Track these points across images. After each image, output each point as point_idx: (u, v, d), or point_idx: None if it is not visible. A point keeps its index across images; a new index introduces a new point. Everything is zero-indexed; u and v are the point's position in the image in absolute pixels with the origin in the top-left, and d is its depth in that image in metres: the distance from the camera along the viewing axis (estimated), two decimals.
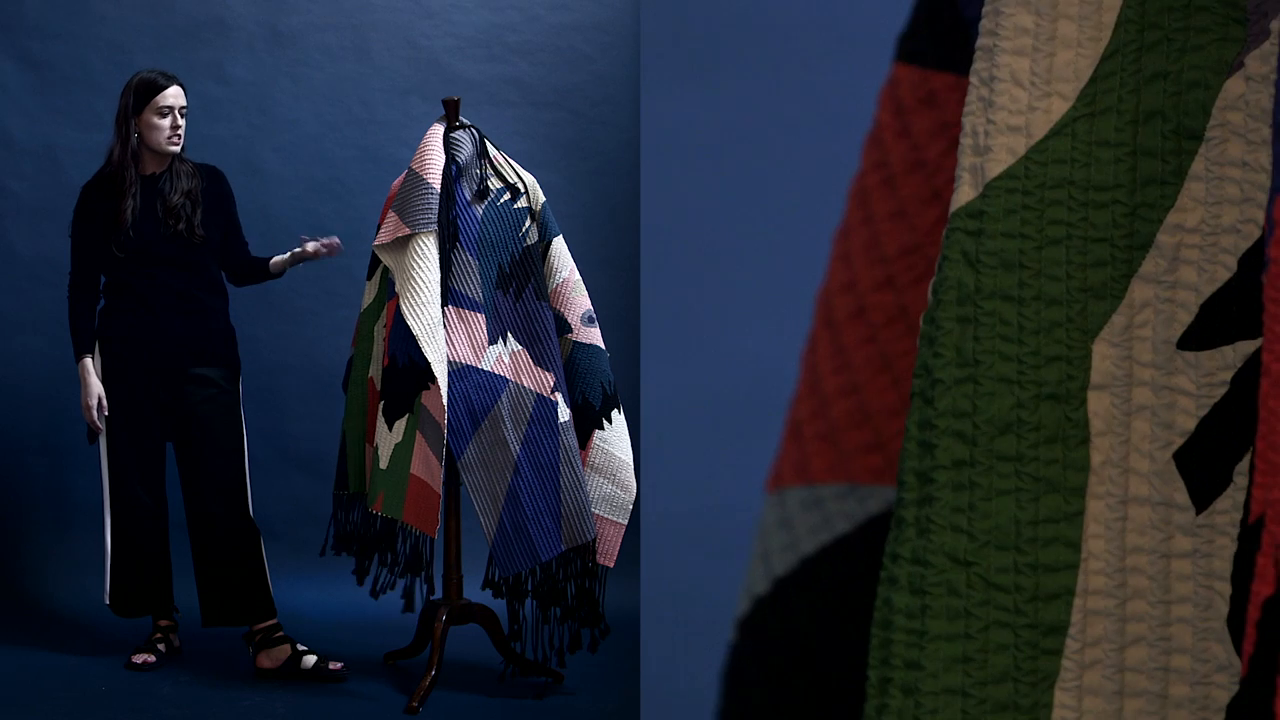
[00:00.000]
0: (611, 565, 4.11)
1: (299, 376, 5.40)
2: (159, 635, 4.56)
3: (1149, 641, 1.49)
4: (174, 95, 4.35)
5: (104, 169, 4.43)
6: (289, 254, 4.47)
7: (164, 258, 4.35)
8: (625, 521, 4.13)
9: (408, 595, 4.29)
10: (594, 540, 4.05)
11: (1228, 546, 1.47)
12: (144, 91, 4.36)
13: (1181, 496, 1.49)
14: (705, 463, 3.46)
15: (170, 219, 4.34)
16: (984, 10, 1.54)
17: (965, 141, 1.53)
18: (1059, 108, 1.52)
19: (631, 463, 4.13)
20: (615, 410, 4.17)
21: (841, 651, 1.85)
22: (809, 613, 1.87)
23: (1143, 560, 1.50)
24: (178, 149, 4.37)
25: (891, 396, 1.85)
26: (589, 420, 4.14)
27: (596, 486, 4.10)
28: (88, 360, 4.39)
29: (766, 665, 1.88)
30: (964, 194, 1.52)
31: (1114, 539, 1.50)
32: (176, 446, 4.46)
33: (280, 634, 4.38)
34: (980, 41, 1.54)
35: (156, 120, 4.34)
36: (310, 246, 4.42)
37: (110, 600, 4.50)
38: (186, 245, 4.35)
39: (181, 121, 4.36)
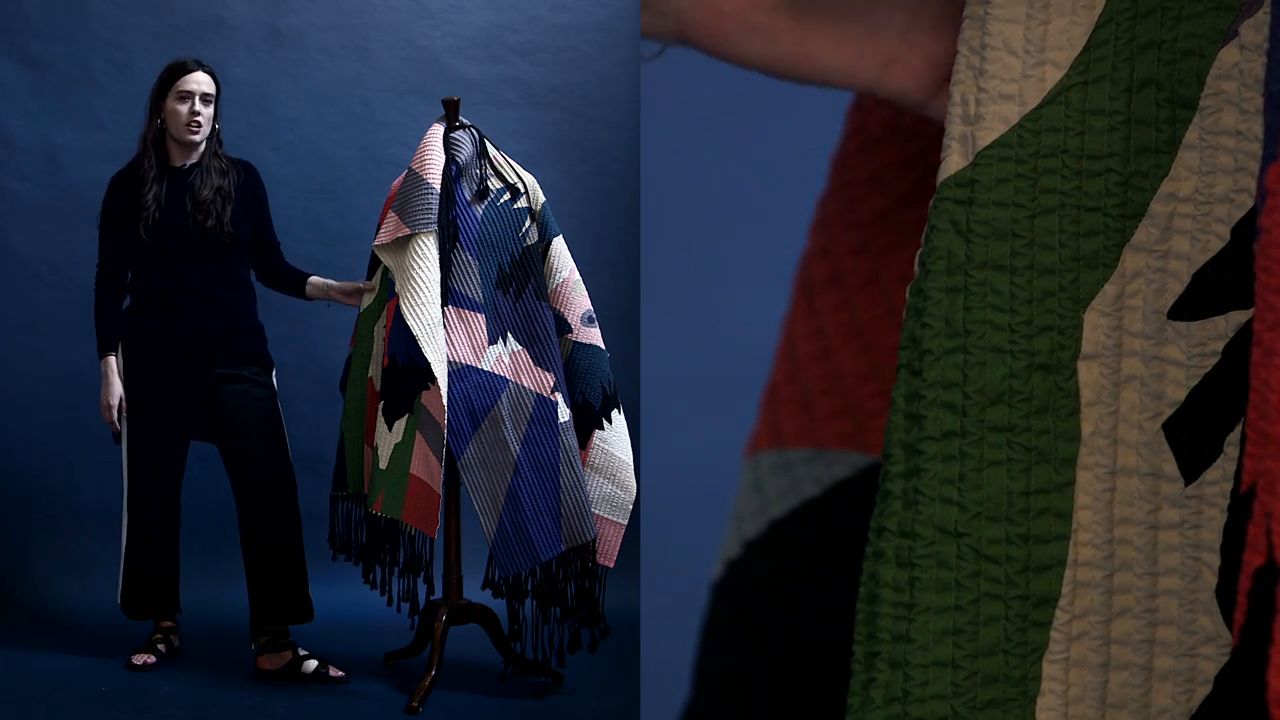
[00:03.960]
0: (611, 565, 4.10)
1: (299, 376, 5.39)
2: (159, 635, 4.53)
3: (1135, 614, 1.48)
4: (195, 81, 4.28)
5: (134, 158, 4.38)
6: (328, 286, 4.41)
7: (190, 254, 4.29)
8: (625, 521, 4.12)
9: (411, 600, 4.27)
10: (594, 540, 4.04)
11: (1216, 518, 1.46)
12: (169, 76, 4.29)
13: (1170, 467, 1.48)
14: (706, 463, 3.46)
15: (199, 214, 4.26)
16: None
17: (954, 110, 1.52)
18: (1052, 76, 1.51)
19: (631, 463, 4.13)
20: (615, 410, 4.16)
21: (806, 616, 1.85)
22: (775, 577, 1.86)
23: (1130, 531, 1.49)
24: (196, 138, 4.29)
25: (862, 362, 1.85)
26: (589, 420, 4.14)
27: (596, 486, 4.09)
28: (111, 358, 4.33)
29: (734, 628, 1.88)
30: (953, 163, 1.51)
31: (1102, 510, 1.49)
32: (220, 447, 4.39)
33: (287, 639, 4.36)
34: (969, 9, 1.53)
35: (176, 106, 4.27)
36: (338, 294, 4.38)
37: (122, 602, 4.48)
38: (214, 242, 4.29)
39: (202, 109, 4.28)
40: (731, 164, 3.72)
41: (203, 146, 4.34)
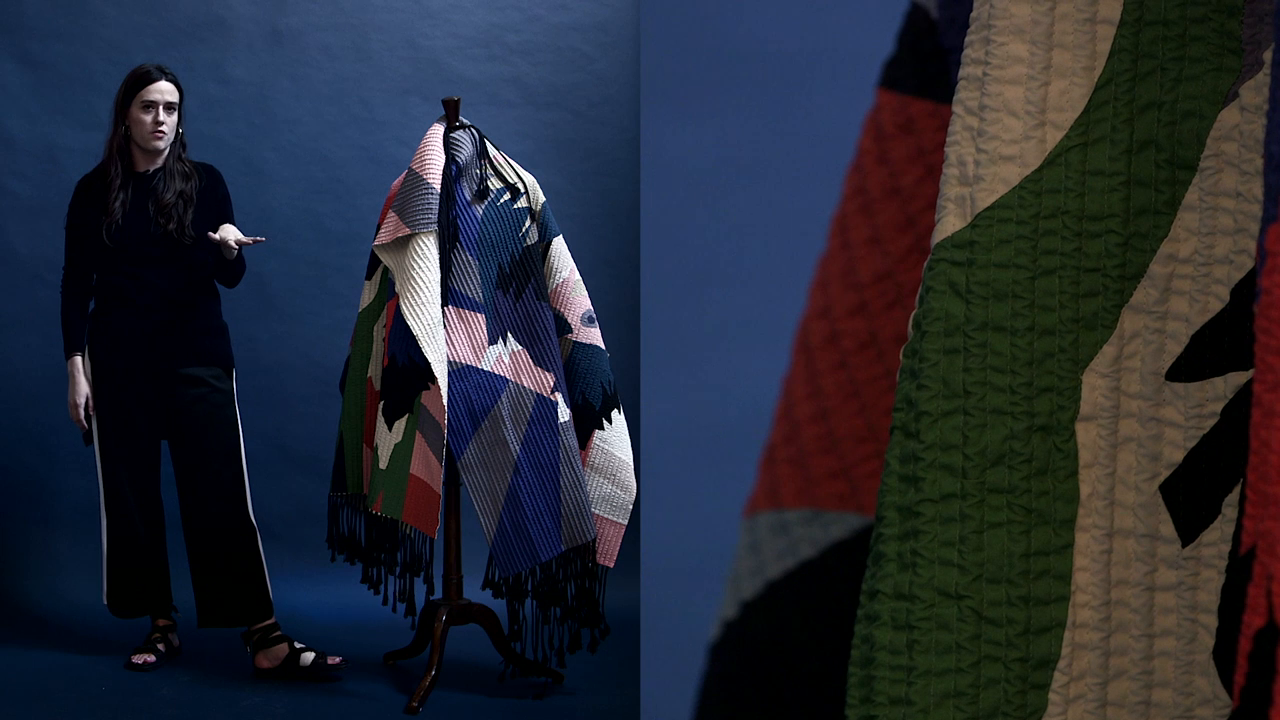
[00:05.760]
0: (611, 565, 4.11)
1: (299, 376, 5.40)
2: (158, 635, 4.56)
3: (1131, 676, 1.48)
4: (158, 90, 4.30)
5: (100, 163, 4.41)
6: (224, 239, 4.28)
7: (152, 257, 4.32)
8: (625, 521, 4.13)
9: (408, 600, 4.28)
10: (594, 540, 4.05)
11: (1214, 579, 1.47)
12: (133, 84, 4.32)
13: (1167, 529, 1.49)
14: (705, 463, 3.46)
15: (161, 218, 4.29)
16: (969, 39, 1.52)
17: (950, 171, 1.52)
18: (1053, 137, 1.51)
19: (631, 463, 4.13)
20: (615, 410, 4.17)
21: (802, 678, 1.85)
22: (771, 638, 1.87)
23: (1127, 593, 1.49)
24: (161, 145, 4.32)
25: (859, 423, 1.85)
26: (589, 420, 4.14)
27: (596, 486, 4.10)
28: (77, 358, 4.38)
29: (731, 690, 1.88)
30: (949, 224, 1.51)
31: (1100, 572, 1.49)
32: (171, 447, 4.45)
33: (278, 633, 4.38)
34: (966, 70, 1.52)
35: (140, 115, 4.30)
36: (228, 239, 4.27)
37: (108, 600, 4.50)
38: (176, 245, 4.32)
39: (165, 118, 4.31)
40: (732, 164, 3.72)
41: (167, 152, 4.37)
